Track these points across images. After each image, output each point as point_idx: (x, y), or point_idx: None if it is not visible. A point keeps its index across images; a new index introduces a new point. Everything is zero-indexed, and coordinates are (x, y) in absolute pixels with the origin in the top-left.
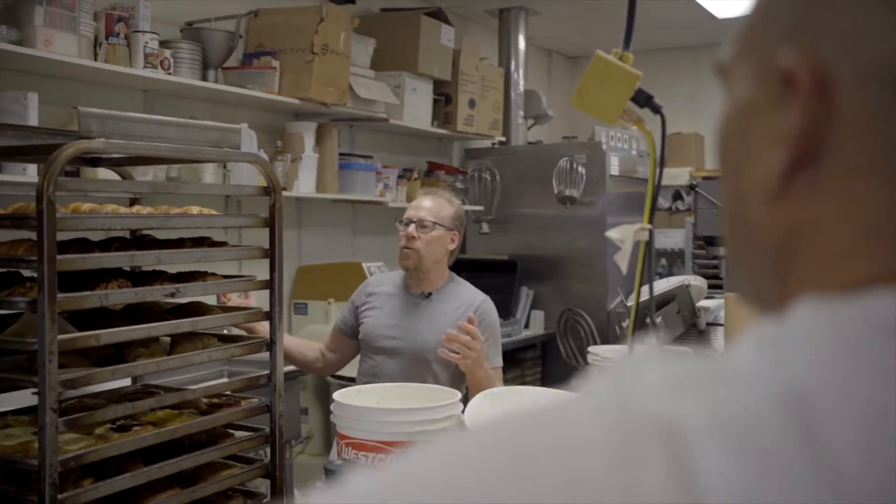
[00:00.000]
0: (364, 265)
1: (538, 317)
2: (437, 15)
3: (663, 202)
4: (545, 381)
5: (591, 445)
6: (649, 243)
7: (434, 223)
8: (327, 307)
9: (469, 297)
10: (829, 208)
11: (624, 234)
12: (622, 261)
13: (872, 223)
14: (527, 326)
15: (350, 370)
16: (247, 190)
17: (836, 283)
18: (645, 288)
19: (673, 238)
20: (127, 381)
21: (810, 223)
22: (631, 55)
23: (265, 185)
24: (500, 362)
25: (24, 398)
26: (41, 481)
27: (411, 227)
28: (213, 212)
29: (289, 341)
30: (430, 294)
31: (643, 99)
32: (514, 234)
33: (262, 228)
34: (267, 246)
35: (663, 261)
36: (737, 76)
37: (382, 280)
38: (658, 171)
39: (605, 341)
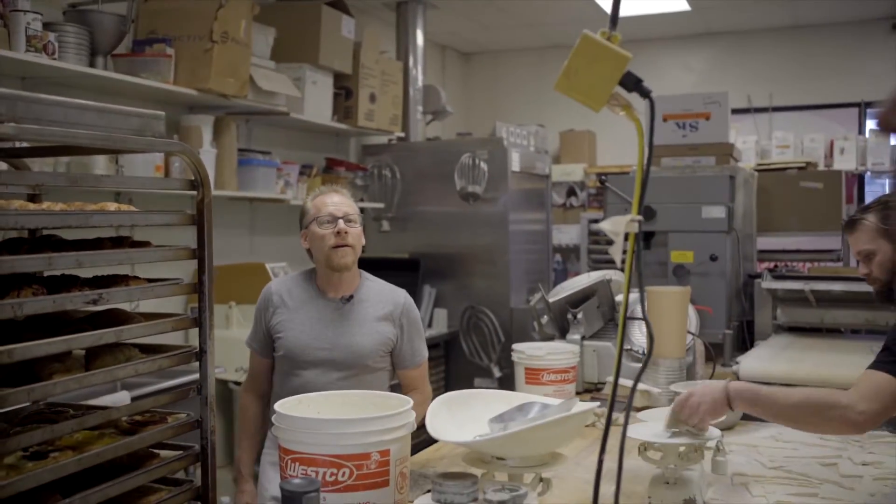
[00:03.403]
0: (268, 266)
1: (441, 315)
2: (338, 6)
3: (557, 198)
4: (449, 379)
5: None
6: (637, 235)
7: (358, 216)
8: (228, 311)
9: (391, 295)
10: None
11: (616, 226)
12: (616, 253)
13: None
14: (430, 325)
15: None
16: (173, 184)
17: None
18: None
19: (568, 234)
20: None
21: None
22: (619, 35)
23: (191, 178)
24: (425, 355)
25: None
26: None
27: (340, 223)
28: (133, 208)
29: (249, 429)
30: (350, 297)
31: (632, 82)
32: (415, 231)
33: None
34: (194, 245)
35: (558, 256)
36: None
37: (285, 285)
38: (646, 160)
39: (508, 338)
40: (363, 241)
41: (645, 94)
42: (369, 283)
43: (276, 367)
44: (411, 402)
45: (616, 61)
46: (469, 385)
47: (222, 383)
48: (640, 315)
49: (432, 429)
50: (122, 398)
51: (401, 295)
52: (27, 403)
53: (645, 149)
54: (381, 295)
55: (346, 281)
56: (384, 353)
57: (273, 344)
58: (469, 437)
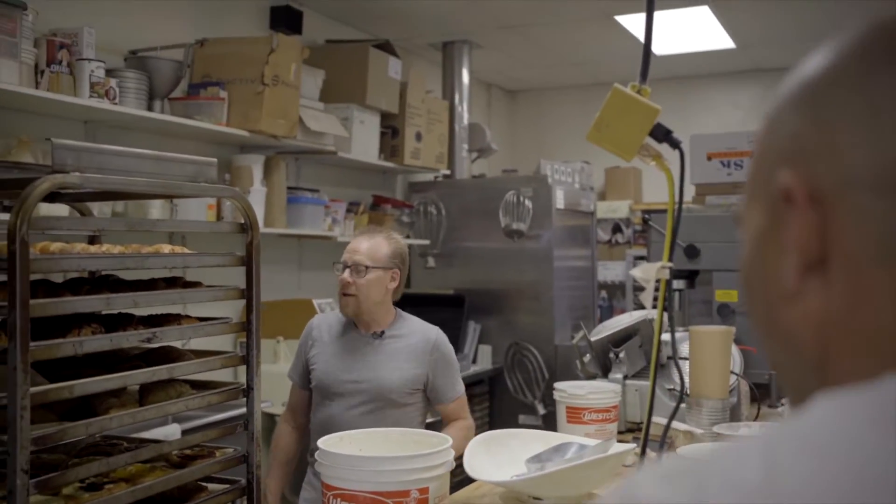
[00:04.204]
0: (315, 301)
1: (486, 351)
2: (385, 47)
3: (602, 235)
4: (493, 416)
5: None
6: (669, 281)
7: (368, 266)
8: (276, 345)
9: (422, 332)
10: (843, 300)
11: (647, 273)
12: (647, 299)
13: (882, 310)
14: (474, 361)
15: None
16: (224, 227)
17: (863, 373)
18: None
19: (613, 270)
20: None
21: (833, 317)
22: (649, 88)
23: (241, 221)
24: (461, 390)
25: None
26: None
27: (346, 273)
28: (186, 249)
29: (280, 458)
30: (382, 332)
31: (662, 133)
32: (460, 268)
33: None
34: (243, 286)
35: (604, 293)
36: (750, 215)
37: (326, 320)
38: (677, 207)
39: (552, 375)
40: (382, 289)
41: (675, 144)
42: (402, 321)
43: (312, 399)
44: (450, 441)
45: (646, 114)
46: (513, 422)
47: (269, 417)
48: (682, 355)
49: (470, 468)
50: (173, 431)
51: (432, 332)
52: (84, 436)
53: (676, 197)
54: (412, 332)
55: (376, 320)
56: (412, 389)
57: (309, 376)
58: (507, 477)
